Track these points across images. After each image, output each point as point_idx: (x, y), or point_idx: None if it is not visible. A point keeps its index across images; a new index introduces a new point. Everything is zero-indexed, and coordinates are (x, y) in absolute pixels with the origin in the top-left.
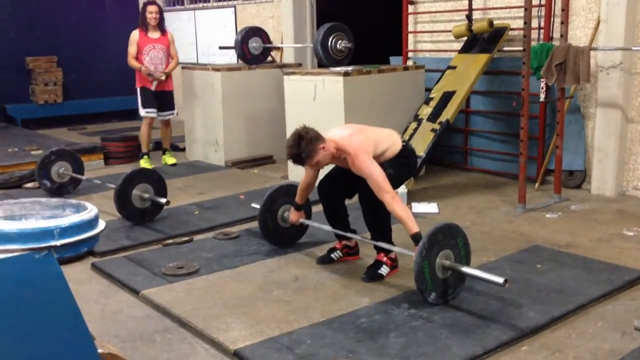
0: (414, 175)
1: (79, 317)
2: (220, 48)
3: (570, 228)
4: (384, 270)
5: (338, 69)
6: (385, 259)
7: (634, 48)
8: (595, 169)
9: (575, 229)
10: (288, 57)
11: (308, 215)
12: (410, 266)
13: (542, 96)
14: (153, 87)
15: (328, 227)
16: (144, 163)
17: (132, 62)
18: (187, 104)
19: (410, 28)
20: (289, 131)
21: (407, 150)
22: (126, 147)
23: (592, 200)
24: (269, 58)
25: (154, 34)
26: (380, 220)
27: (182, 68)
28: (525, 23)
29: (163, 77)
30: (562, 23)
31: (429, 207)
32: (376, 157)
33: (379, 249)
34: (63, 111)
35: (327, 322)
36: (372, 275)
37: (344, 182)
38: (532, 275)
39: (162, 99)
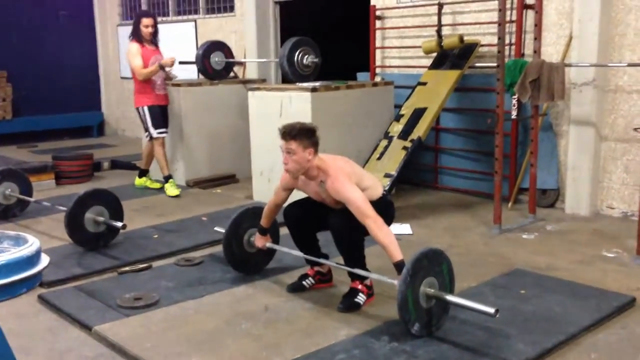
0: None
1: None
2: (181, 63)
3: (548, 249)
4: (361, 298)
5: (305, 84)
6: (360, 286)
7: (610, 64)
8: (569, 188)
9: (554, 251)
10: (251, 73)
11: (275, 239)
12: (387, 293)
13: (514, 113)
14: (156, 89)
15: (298, 252)
16: (170, 187)
17: (145, 71)
18: None
19: (378, 44)
20: (254, 149)
21: (385, 201)
22: (79, 167)
23: (567, 219)
24: (232, 73)
25: (150, 47)
26: (354, 247)
27: None
28: (499, 39)
29: (178, 76)
30: (535, 39)
31: (402, 228)
32: None
33: (353, 276)
34: (12, 128)
35: None
36: (348, 304)
37: (314, 213)
38: (516, 301)
39: (167, 113)
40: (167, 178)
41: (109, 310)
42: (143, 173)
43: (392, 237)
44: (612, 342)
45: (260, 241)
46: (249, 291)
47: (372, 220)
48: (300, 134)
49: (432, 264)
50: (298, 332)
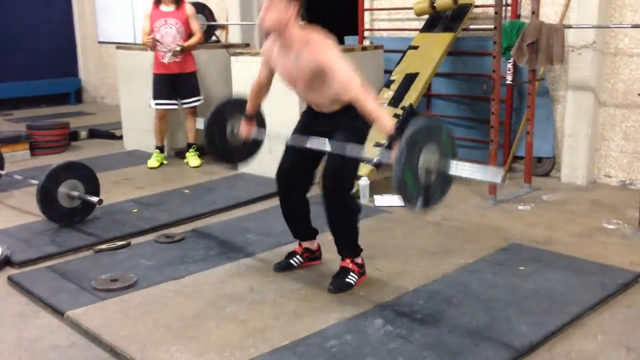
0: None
1: None
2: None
3: (546, 221)
4: (352, 278)
5: None
6: (351, 265)
7: (611, 25)
8: (566, 156)
9: (552, 223)
10: (234, 37)
11: (262, 130)
12: (378, 273)
13: (510, 78)
14: (166, 60)
15: (286, 137)
16: (152, 159)
17: (143, 39)
18: (124, 87)
19: (366, 5)
20: None
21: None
22: (55, 136)
23: (563, 189)
24: (214, 37)
25: (168, 7)
26: (346, 219)
27: (117, 48)
28: None
29: (178, 48)
30: None
31: (394, 200)
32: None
33: (344, 254)
34: None
35: (290, 347)
36: (339, 285)
37: (304, 165)
38: (516, 279)
39: (182, 83)
40: (156, 148)
41: (84, 293)
42: (187, 147)
43: (381, 107)
44: (619, 322)
45: (245, 128)
46: (233, 270)
47: (361, 89)
48: None
49: (430, 134)
50: (286, 316)
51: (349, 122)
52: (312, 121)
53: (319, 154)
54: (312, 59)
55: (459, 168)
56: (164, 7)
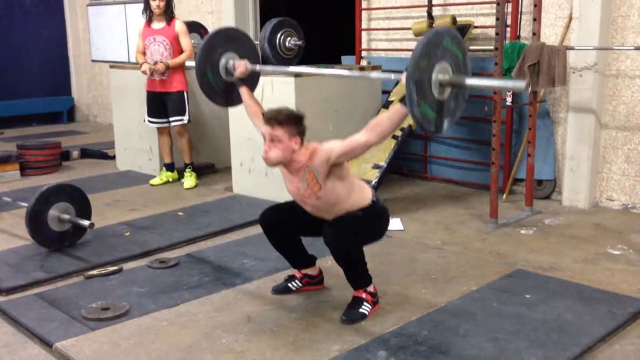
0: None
1: None
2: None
3: (550, 247)
4: (366, 308)
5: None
6: (364, 294)
7: (614, 47)
8: (567, 179)
9: (556, 248)
10: None
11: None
12: (381, 302)
13: (510, 100)
14: (156, 76)
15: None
16: (157, 178)
17: (137, 58)
18: (117, 106)
19: (364, 25)
20: (233, 138)
21: (378, 207)
22: (46, 156)
23: (565, 212)
24: None
25: (159, 24)
26: (354, 259)
27: (111, 67)
28: (497, 19)
29: (159, 67)
30: (534, 20)
31: (393, 224)
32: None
33: (356, 285)
34: None
35: None
36: (352, 316)
37: (296, 217)
38: (522, 308)
39: (168, 101)
40: (163, 165)
41: (73, 323)
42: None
43: (384, 115)
44: (630, 354)
45: (241, 66)
46: (229, 297)
47: (366, 133)
48: (287, 121)
49: (430, 54)
50: (285, 347)
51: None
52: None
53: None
54: (320, 161)
55: (475, 80)
56: (155, 25)
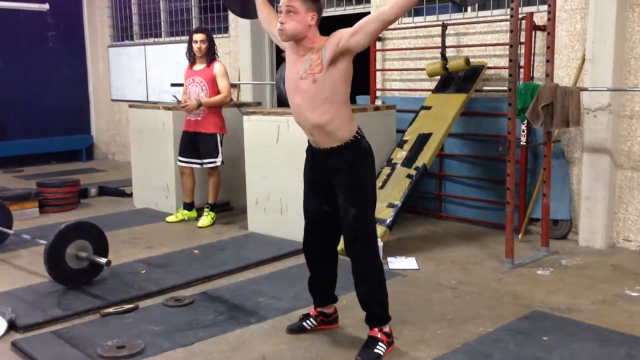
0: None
1: None
2: (173, 85)
3: (566, 287)
4: (381, 348)
5: None
6: (379, 334)
7: (627, 88)
8: (583, 219)
9: (573, 289)
10: (246, 96)
11: None
12: (394, 341)
13: (524, 139)
14: (192, 117)
15: None
16: (173, 216)
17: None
18: (135, 145)
19: (378, 65)
20: (249, 176)
21: (365, 141)
22: (65, 194)
23: (582, 253)
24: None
25: (200, 66)
26: (375, 286)
27: (130, 106)
28: (510, 61)
29: (189, 104)
30: (547, 61)
31: (408, 263)
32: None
33: (372, 323)
34: None
35: None
36: (367, 356)
37: (325, 228)
38: (540, 350)
39: (200, 143)
40: (183, 204)
41: None
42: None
43: None
44: None
45: None
46: (244, 337)
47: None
48: None
49: None
50: None
51: (349, 177)
52: (312, 173)
53: (334, 210)
54: (337, 38)
55: None
56: (196, 66)
